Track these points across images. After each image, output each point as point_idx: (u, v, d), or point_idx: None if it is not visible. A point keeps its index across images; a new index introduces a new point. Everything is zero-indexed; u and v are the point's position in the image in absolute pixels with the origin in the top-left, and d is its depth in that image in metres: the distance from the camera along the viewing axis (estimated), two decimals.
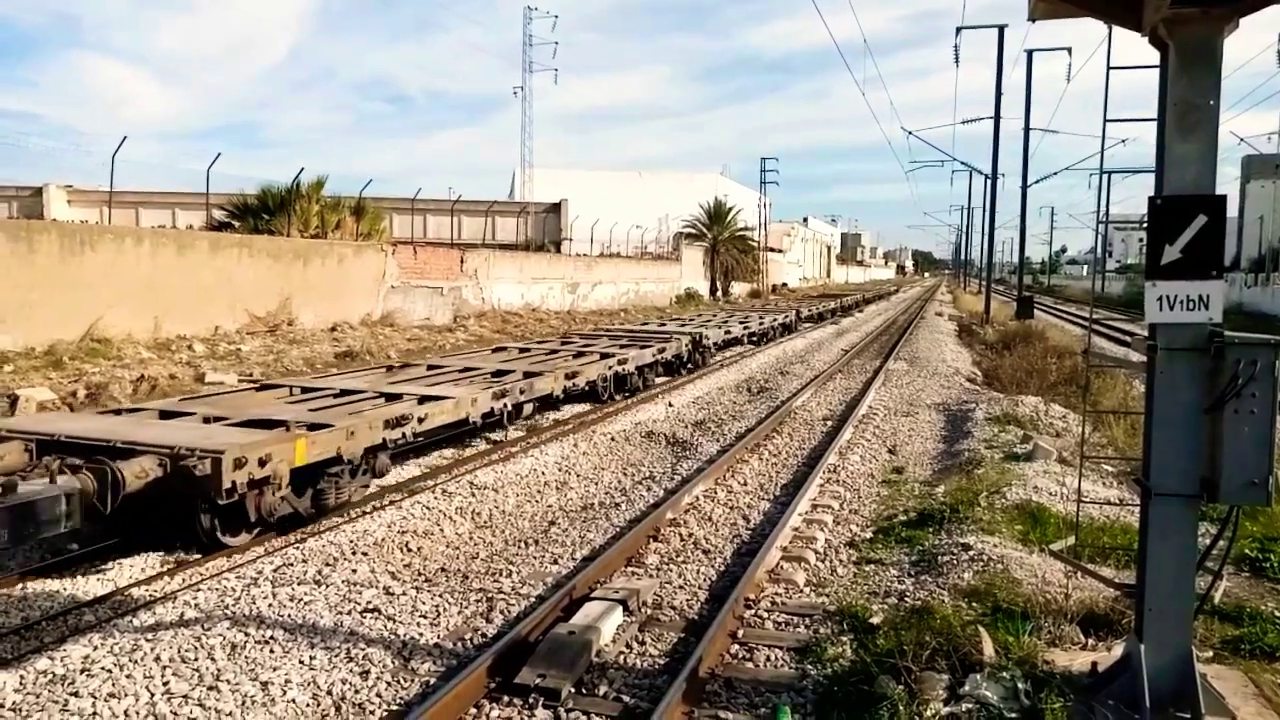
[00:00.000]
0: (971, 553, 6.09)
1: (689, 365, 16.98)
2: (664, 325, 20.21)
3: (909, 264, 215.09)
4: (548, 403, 11.93)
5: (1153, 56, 3.72)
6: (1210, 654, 4.55)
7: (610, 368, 12.76)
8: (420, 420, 8.08)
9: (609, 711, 4.26)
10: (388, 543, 6.74)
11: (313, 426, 7.04)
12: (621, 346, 14.45)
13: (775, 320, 25.86)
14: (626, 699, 4.37)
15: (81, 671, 4.42)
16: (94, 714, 4.07)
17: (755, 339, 23.39)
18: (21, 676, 4.35)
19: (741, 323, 22.51)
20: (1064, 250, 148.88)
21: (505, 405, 9.64)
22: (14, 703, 4.14)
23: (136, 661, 4.54)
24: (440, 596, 5.70)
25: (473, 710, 4.25)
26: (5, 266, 13.52)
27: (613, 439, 10.63)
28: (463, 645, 5.02)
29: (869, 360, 20.63)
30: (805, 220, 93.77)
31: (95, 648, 4.67)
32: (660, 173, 64.73)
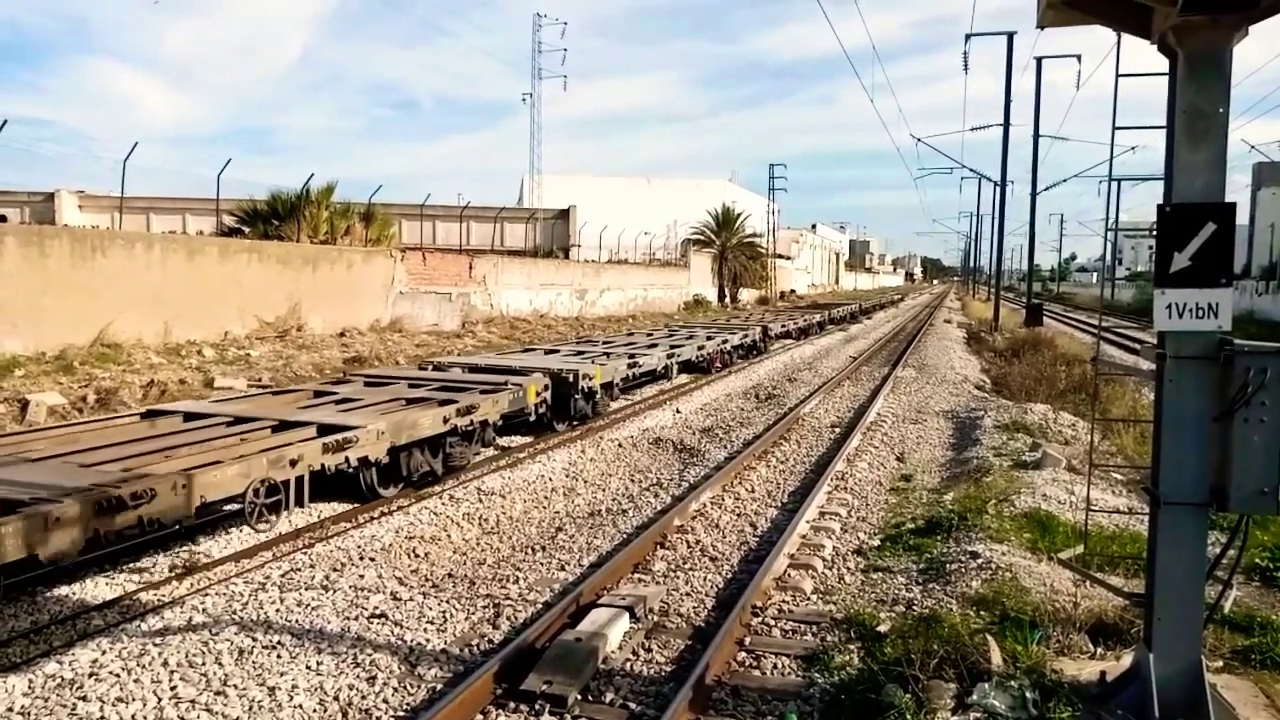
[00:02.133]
0: (980, 561, 6.07)
1: (576, 418, 11.72)
2: (557, 349, 15.12)
3: (917, 271, 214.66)
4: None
5: (1162, 64, 3.72)
6: (1220, 664, 4.52)
7: (309, 458, 6.97)
8: None
9: (615, 719, 4.26)
10: (395, 548, 6.75)
11: None
12: (408, 402, 9.21)
13: (727, 341, 19.28)
14: (633, 706, 4.36)
15: (89, 676, 4.44)
16: (101, 718, 4.09)
17: (704, 366, 17.88)
18: (30, 680, 4.38)
19: (671, 349, 16.07)
20: (1073, 257, 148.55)
21: None
22: (23, 706, 4.16)
23: (144, 666, 4.56)
24: (447, 602, 5.70)
25: (479, 717, 4.24)
26: (17, 271, 13.61)
27: (620, 445, 10.64)
28: (469, 651, 5.02)
29: (877, 368, 20.59)
30: (814, 227, 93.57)
31: (103, 652, 4.69)
32: (669, 179, 64.72)
